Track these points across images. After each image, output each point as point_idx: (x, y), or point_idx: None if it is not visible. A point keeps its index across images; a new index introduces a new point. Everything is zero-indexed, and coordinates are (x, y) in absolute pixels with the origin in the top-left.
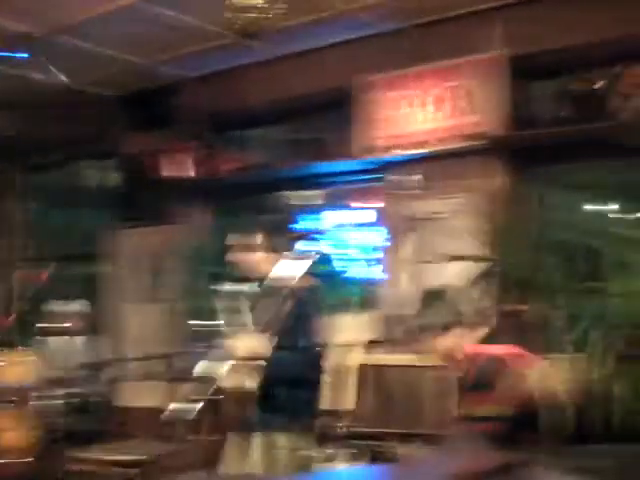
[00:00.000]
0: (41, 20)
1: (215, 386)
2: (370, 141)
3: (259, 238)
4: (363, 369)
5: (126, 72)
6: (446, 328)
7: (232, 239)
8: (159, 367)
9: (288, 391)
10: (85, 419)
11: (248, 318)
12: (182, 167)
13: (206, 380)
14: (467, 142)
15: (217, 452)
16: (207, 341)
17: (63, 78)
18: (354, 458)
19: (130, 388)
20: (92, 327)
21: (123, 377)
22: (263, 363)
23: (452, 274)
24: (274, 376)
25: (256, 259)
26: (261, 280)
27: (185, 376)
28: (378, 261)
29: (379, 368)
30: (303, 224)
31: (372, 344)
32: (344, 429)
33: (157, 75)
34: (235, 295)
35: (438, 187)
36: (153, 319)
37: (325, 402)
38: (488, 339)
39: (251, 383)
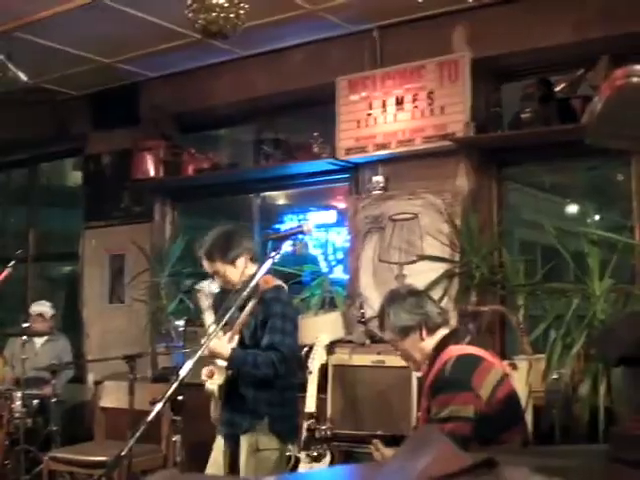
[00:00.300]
0: (1, 16)
1: (176, 385)
2: (335, 142)
3: (219, 253)
4: (329, 370)
5: (90, 71)
6: (408, 329)
7: (200, 251)
8: (125, 368)
9: (253, 392)
10: (47, 420)
11: (210, 317)
12: (147, 167)
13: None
14: (432, 143)
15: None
16: (181, 340)
17: (22, 76)
18: (325, 460)
19: (96, 389)
20: (56, 327)
21: (87, 378)
22: (223, 363)
23: (415, 274)
24: (238, 376)
25: (226, 274)
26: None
27: (168, 376)
28: (342, 261)
29: (344, 368)
30: (272, 226)
31: (337, 344)
32: (322, 431)
33: (121, 74)
34: (199, 294)
35: (403, 188)
36: (120, 320)
37: (307, 404)
38: (449, 340)
39: (213, 383)
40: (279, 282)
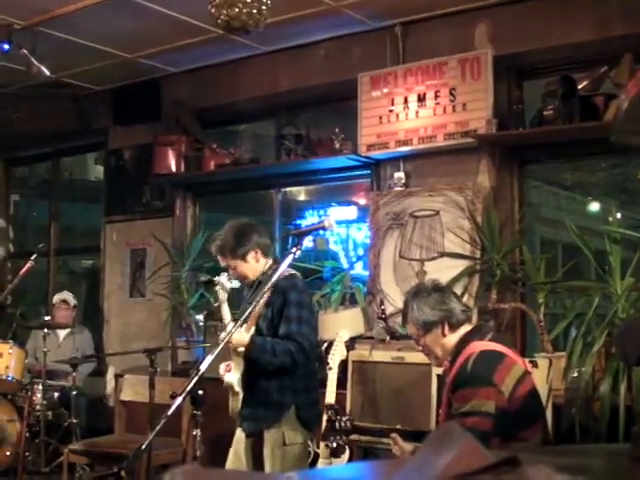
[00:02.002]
0: (24, 11)
1: (196, 379)
2: (357, 138)
3: (229, 248)
4: (349, 365)
5: (112, 65)
6: (431, 324)
7: (212, 246)
8: (145, 362)
9: (277, 381)
10: (68, 413)
11: (227, 311)
12: (168, 162)
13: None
14: (453, 140)
15: (203, 446)
16: (201, 335)
17: (45, 70)
18: (344, 455)
19: (117, 382)
20: (78, 320)
21: (107, 371)
22: (242, 350)
23: (436, 271)
24: (256, 367)
25: (238, 269)
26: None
27: (187, 370)
28: (362, 258)
29: (364, 364)
30: (293, 221)
31: (358, 340)
32: (343, 424)
33: (143, 69)
34: (217, 287)
35: (424, 184)
36: (140, 313)
37: (327, 397)
38: (472, 336)
39: (232, 376)
40: (293, 271)
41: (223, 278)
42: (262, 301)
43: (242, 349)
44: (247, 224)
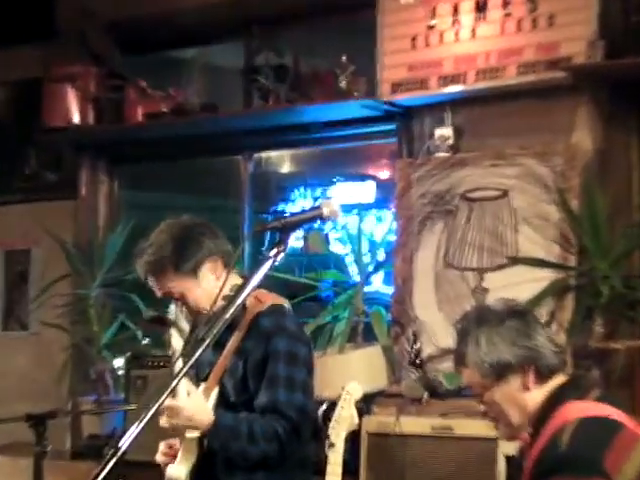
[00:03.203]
0: None
1: (112, 464)
2: (376, 72)
3: (185, 263)
4: (362, 440)
5: None
6: (507, 368)
7: (139, 261)
8: (28, 435)
9: (242, 476)
10: None
11: (178, 363)
12: (68, 108)
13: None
14: (533, 75)
15: None
16: (121, 391)
17: None
18: None
19: None
20: None
21: None
22: (196, 435)
23: (503, 288)
24: (218, 454)
25: (187, 293)
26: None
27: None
28: (384, 265)
29: (386, 439)
30: (272, 207)
31: (376, 399)
32: None
33: None
34: (173, 332)
35: (485, 147)
36: (21, 357)
37: None
38: (568, 393)
39: (178, 470)
40: (279, 299)
41: (179, 313)
42: (230, 346)
43: (194, 433)
44: (193, 223)
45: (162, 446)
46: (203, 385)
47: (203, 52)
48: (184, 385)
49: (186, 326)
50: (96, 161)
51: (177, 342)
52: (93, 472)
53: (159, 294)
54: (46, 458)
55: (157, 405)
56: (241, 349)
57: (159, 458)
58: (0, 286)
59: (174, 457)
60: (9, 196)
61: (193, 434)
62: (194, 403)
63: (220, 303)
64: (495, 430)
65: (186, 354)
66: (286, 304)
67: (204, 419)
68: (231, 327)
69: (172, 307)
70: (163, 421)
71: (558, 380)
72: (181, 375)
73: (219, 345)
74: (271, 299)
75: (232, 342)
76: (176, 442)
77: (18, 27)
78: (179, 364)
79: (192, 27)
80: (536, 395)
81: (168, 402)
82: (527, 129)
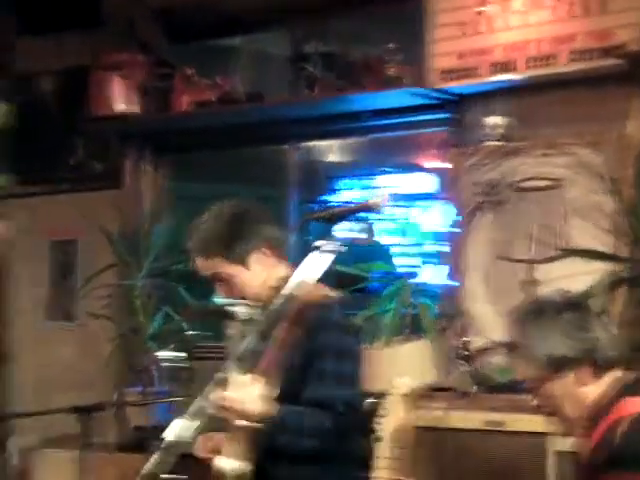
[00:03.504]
0: None
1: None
2: (425, 60)
3: (237, 247)
4: (415, 434)
5: None
6: (564, 362)
7: (193, 243)
8: (74, 428)
9: (288, 469)
10: None
11: (234, 356)
12: (114, 97)
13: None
14: (586, 62)
15: None
16: (167, 383)
17: None
18: None
19: (26, 462)
20: None
21: (8, 444)
22: (258, 427)
23: (555, 280)
24: (276, 449)
25: (236, 280)
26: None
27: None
28: (434, 257)
29: (436, 433)
30: (320, 197)
31: (425, 393)
32: None
33: None
34: (214, 313)
35: (536, 136)
36: (66, 349)
37: None
38: (628, 388)
39: (239, 461)
40: (331, 293)
41: (243, 309)
42: (277, 339)
43: (243, 423)
44: (246, 208)
45: (202, 440)
46: (249, 376)
47: (250, 40)
48: (235, 376)
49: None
50: (142, 150)
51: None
52: (139, 464)
53: (206, 275)
54: (92, 450)
55: (205, 397)
56: (289, 341)
57: (201, 453)
58: (46, 277)
59: (216, 451)
60: (55, 186)
61: (242, 424)
62: (245, 393)
63: (266, 293)
64: (550, 424)
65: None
66: (336, 296)
67: (255, 409)
68: (279, 317)
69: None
70: (214, 411)
71: (614, 374)
72: (229, 367)
73: (265, 335)
74: (321, 291)
75: (279, 333)
76: (216, 436)
77: (66, 15)
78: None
79: (239, 14)
80: (592, 389)
81: (220, 392)
82: (579, 118)
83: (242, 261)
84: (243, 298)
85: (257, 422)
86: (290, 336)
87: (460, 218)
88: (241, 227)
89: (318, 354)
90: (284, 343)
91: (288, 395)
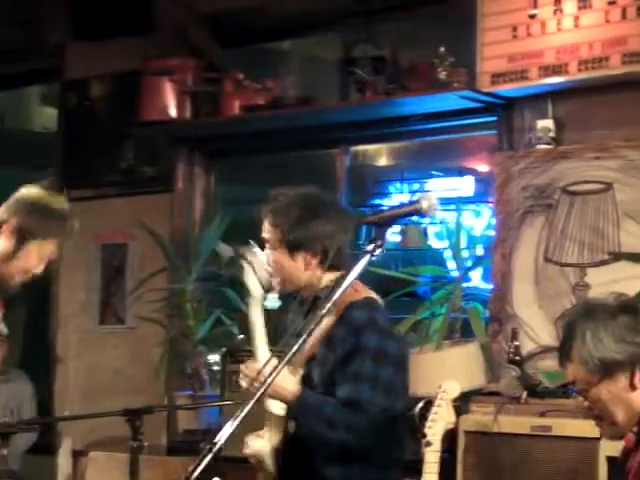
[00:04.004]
0: None
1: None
2: (475, 63)
3: (285, 224)
4: (459, 439)
5: None
6: (614, 366)
7: (267, 207)
8: (124, 431)
9: (341, 469)
10: None
11: (261, 332)
12: (165, 102)
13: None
14: (639, 65)
15: None
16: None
17: None
18: None
19: (77, 465)
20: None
21: (61, 446)
22: (282, 413)
23: (605, 284)
24: (306, 439)
25: (283, 264)
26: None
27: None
28: (483, 261)
29: (485, 438)
30: (369, 200)
31: (474, 398)
32: None
33: None
34: (247, 265)
35: (587, 140)
36: (117, 351)
37: None
38: None
39: (262, 445)
40: (371, 294)
41: (259, 252)
42: (318, 333)
43: (281, 407)
44: (327, 199)
45: (250, 439)
46: (288, 366)
47: (300, 44)
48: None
49: (263, 275)
50: (192, 155)
51: (251, 281)
52: (189, 467)
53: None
54: (142, 453)
55: (252, 402)
56: (330, 338)
57: (247, 451)
58: (97, 280)
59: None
60: (106, 190)
61: (280, 411)
62: (282, 376)
63: (311, 294)
64: (598, 429)
65: (284, 346)
66: (379, 301)
67: (288, 387)
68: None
69: (256, 250)
70: (244, 383)
71: None
72: (278, 371)
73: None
74: (365, 292)
75: (321, 328)
76: (260, 433)
77: (116, 20)
78: (260, 332)
79: (289, 18)
80: None
81: (251, 364)
82: (631, 121)
83: (292, 253)
84: (282, 287)
85: (291, 403)
86: (331, 332)
87: (509, 222)
88: (313, 215)
89: (358, 354)
90: (326, 340)
91: (326, 392)
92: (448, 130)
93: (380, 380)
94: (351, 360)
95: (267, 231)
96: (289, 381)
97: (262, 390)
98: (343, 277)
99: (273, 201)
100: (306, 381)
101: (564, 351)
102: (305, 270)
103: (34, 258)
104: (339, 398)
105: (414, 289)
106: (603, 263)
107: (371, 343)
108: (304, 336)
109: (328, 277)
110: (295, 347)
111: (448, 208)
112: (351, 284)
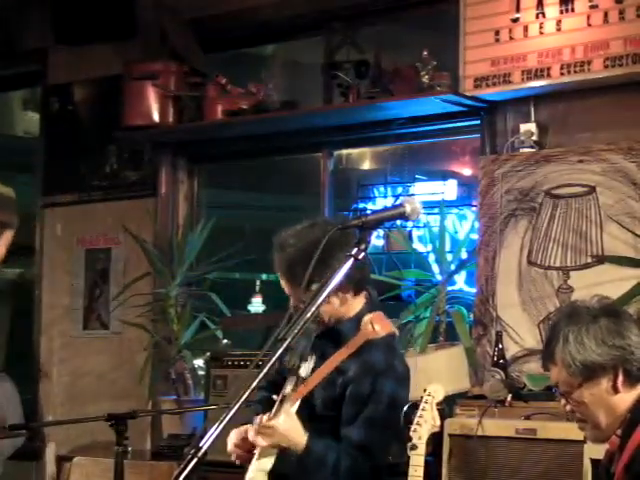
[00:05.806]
0: None
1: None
2: (458, 67)
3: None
4: (444, 443)
5: None
6: (597, 369)
7: (279, 259)
8: (109, 436)
9: None
10: None
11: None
12: (148, 106)
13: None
14: (620, 69)
15: None
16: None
17: None
18: None
19: (61, 470)
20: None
21: (45, 451)
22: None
23: (588, 287)
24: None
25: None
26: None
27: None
28: (467, 264)
29: (469, 441)
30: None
31: (458, 401)
32: None
33: None
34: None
35: (570, 143)
36: (101, 357)
37: None
38: None
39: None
40: (391, 328)
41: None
42: (332, 362)
43: (281, 444)
44: (342, 240)
45: (234, 435)
46: (290, 389)
47: (283, 48)
48: (284, 406)
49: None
50: (176, 159)
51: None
52: (174, 472)
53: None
54: (126, 458)
55: (236, 406)
56: (342, 368)
57: (231, 448)
58: (81, 285)
59: (247, 451)
60: (89, 194)
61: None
62: (290, 424)
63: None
64: (582, 432)
65: (266, 353)
66: (397, 332)
67: (298, 440)
68: (339, 342)
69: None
70: (259, 440)
71: None
72: (260, 376)
73: (321, 354)
74: (385, 328)
75: (335, 357)
76: (248, 429)
77: (99, 24)
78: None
79: (272, 23)
80: (626, 397)
81: (265, 421)
82: (614, 124)
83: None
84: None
85: (296, 452)
86: (345, 363)
87: (493, 225)
88: (323, 257)
89: (372, 400)
90: (337, 368)
91: (327, 417)
92: (432, 134)
93: (391, 425)
94: (365, 404)
95: (286, 287)
96: (298, 433)
97: (246, 394)
98: (326, 281)
99: (279, 248)
100: (309, 405)
101: (547, 354)
102: (341, 306)
103: (3, 248)
104: (349, 438)
105: (398, 293)
106: (586, 266)
107: (387, 389)
108: (288, 340)
109: (354, 305)
110: (279, 352)
111: (432, 212)
112: (371, 314)
